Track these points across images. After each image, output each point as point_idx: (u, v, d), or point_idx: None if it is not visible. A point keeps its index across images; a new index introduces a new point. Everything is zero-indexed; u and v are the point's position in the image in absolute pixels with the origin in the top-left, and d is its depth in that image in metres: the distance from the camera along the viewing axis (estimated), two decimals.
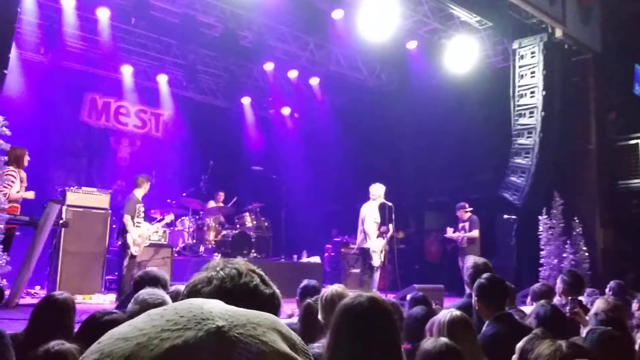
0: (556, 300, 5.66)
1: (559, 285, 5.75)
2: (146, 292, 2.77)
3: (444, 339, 2.50)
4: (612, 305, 4.19)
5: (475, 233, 10.28)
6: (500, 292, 3.90)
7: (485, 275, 4.00)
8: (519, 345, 2.71)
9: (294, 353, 0.54)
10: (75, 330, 3.34)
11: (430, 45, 12.00)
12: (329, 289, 3.54)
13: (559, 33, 10.61)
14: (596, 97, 11.29)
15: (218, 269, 1.44)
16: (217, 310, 0.54)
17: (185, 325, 0.51)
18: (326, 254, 13.54)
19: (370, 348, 1.93)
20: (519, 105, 10.71)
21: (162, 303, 2.73)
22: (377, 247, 9.19)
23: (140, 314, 2.29)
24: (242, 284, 1.40)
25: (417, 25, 11.61)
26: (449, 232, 10.69)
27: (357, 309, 1.98)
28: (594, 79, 11.32)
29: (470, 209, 10.55)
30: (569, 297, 4.95)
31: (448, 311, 2.93)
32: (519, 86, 10.72)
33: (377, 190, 9.31)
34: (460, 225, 10.56)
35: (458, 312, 2.91)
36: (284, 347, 0.53)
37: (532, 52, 10.62)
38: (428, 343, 2.39)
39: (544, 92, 10.35)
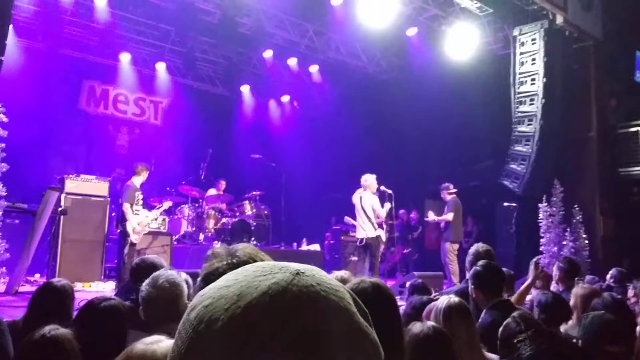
0: (553, 287, 5.68)
1: (555, 273, 5.76)
2: (166, 279, 2.71)
3: (431, 323, 2.48)
4: (589, 291, 4.19)
5: (449, 216, 9.97)
6: (497, 279, 3.84)
7: (480, 262, 3.93)
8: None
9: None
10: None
11: (431, 32, 11.92)
12: (335, 274, 3.52)
13: (560, 20, 10.53)
14: (597, 84, 11.22)
15: (228, 257, 1.46)
16: (289, 263, 0.68)
17: (272, 271, 0.65)
18: (326, 242, 13.55)
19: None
20: (519, 93, 10.65)
21: (180, 291, 2.68)
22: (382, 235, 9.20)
23: (158, 299, 2.26)
24: None
25: (417, 11, 11.51)
26: (431, 216, 10.46)
27: (361, 295, 1.95)
28: (594, 66, 11.24)
29: (454, 190, 10.28)
30: (576, 279, 4.97)
31: (447, 297, 2.89)
32: (520, 73, 10.66)
33: (370, 180, 9.23)
34: (446, 208, 10.44)
35: (456, 299, 2.88)
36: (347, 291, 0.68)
37: (533, 39, 10.54)
38: (416, 327, 2.36)
39: (544, 79, 10.28)
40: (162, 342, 1.78)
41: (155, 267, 3.31)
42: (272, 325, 0.60)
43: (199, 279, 1.48)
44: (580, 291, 4.15)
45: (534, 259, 4.99)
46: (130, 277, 3.65)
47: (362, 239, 9.14)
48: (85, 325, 2.50)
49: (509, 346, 2.70)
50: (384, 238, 9.28)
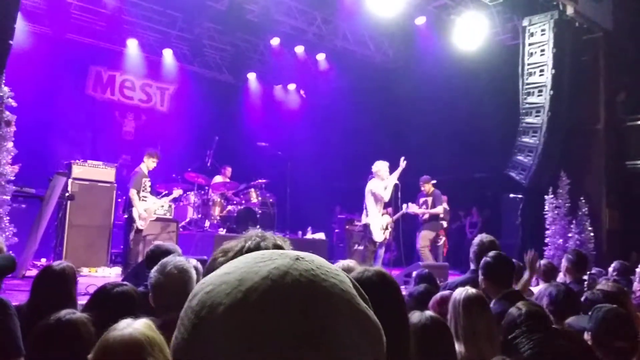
0: (560, 279, 5.69)
1: (563, 264, 5.77)
2: (174, 266, 2.72)
3: (429, 313, 2.48)
4: (615, 289, 4.20)
5: (440, 209, 10.07)
6: (507, 270, 3.87)
7: (491, 253, 3.97)
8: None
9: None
10: (81, 301, 3.35)
11: (439, 21, 11.83)
12: (340, 263, 3.53)
13: (570, 10, 10.44)
14: (606, 76, 11.13)
15: (252, 238, 1.49)
16: (289, 250, 0.71)
17: (271, 257, 0.67)
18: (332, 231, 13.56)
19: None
20: (527, 84, 10.59)
21: (189, 278, 2.68)
22: (379, 223, 9.11)
23: (166, 286, 2.28)
24: None
25: (426, 0, 11.43)
26: (412, 208, 10.32)
27: (367, 283, 1.96)
28: (604, 58, 11.14)
29: (434, 181, 10.32)
30: (588, 273, 4.96)
31: (463, 289, 2.89)
32: (528, 64, 10.60)
33: (378, 167, 9.19)
34: (422, 200, 10.31)
35: (473, 290, 2.88)
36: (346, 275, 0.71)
37: (543, 30, 10.47)
38: (414, 316, 2.36)
39: (553, 71, 10.22)
40: (135, 324, 1.80)
41: (169, 254, 3.32)
42: (275, 307, 0.61)
43: (218, 253, 1.50)
44: (607, 289, 4.16)
45: (529, 256, 4.87)
46: (144, 263, 3.66)
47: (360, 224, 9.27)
48: (98, 309, 2.51)
49: (508, 338, 2.70)
50: (377, 227, 9.00)
